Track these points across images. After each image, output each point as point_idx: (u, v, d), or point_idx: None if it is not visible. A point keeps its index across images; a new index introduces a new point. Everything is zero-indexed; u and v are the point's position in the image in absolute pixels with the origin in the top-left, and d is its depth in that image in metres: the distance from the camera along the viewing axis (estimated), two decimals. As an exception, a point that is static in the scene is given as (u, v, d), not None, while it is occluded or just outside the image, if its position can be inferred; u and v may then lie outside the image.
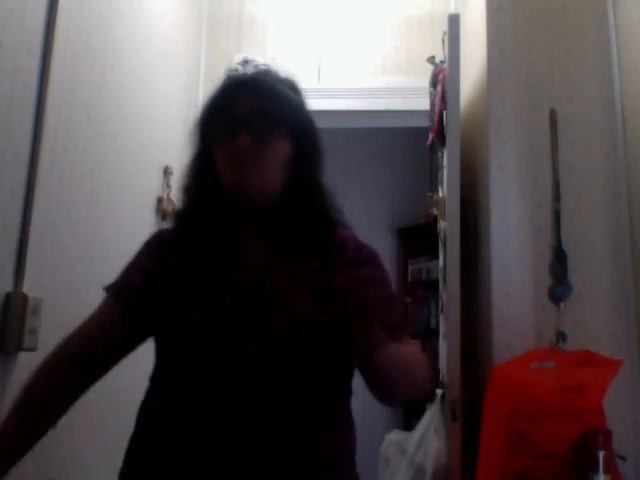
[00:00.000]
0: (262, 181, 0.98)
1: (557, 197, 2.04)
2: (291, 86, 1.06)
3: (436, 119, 2.30)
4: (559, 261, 2.00)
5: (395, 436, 2.32)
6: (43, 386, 0.99)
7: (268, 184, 0.99)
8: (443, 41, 2.21)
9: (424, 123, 2.51)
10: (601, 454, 1.68)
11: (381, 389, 0.95)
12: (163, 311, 0.97)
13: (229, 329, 0.92)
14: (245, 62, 1.09)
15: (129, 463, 0.97)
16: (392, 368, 0.89)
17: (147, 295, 1.00)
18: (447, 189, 2.11)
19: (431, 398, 2.18)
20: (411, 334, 1.04)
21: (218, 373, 0.91)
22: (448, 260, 2.06)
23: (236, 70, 1.07)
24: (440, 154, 2.36)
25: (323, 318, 0.87)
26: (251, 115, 0.97)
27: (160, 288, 0.99)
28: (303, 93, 1.08)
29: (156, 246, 1.08)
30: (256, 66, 1.07)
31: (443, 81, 2.21)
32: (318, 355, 0.92)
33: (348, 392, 1.02)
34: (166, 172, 2.28)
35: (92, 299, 1.65)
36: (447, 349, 2.03)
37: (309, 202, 1.01)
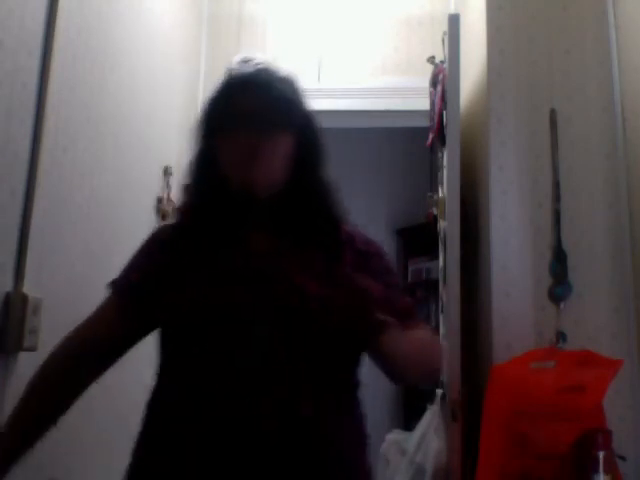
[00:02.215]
0: (266, 176, 1.00)
1: (557, 197, 2.04)
2: (291, 83, 1.08)
3: (436, 119, 2.30)
4: (559, 261, 2.00)
5: (395, 436, 2.32)
6: (45, 383, 1.01)
7: (272, 179, 1.01)
8: (443, 41, 2.21)
9: (424, 123, 2.51)
10: (601, 454, 1.68)
11: (393, 370, 0.98)
12: (168, 304, 0.97)
13: (237, 315, 0.93)
14: (245, 60, 1.10)
15: (139, 458, 0.97)
16: (402, 351, 0.92)
17: (147, 291, 1.01)
18: (447, 189, 2.11)
19: (431, 398, 2.18)
20: (420, 320, 1.06)
21: (226, 361, 0.92)
22: (448, 260, 2.06)
23: (236, 69, 1.09)
24: (440, 154, 2.36)
25: (332, 300, 0.90)
26: (253, 113, 0.99)
27: (162, 282, 1.00)
28: (302, 89, 1.10)
29: (157, 242, 1.10)
30: (256, 64, 1.09)
31: (443, 81, 2.21)
32: (328, 338, 0.93)
33: (356, 383, 1.03)
34: (166, 172, 2.28)
35: (92, 299, 1.65)
36: (447, 349, 2.03)
37: (311, 195, 1.04)
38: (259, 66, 1.09)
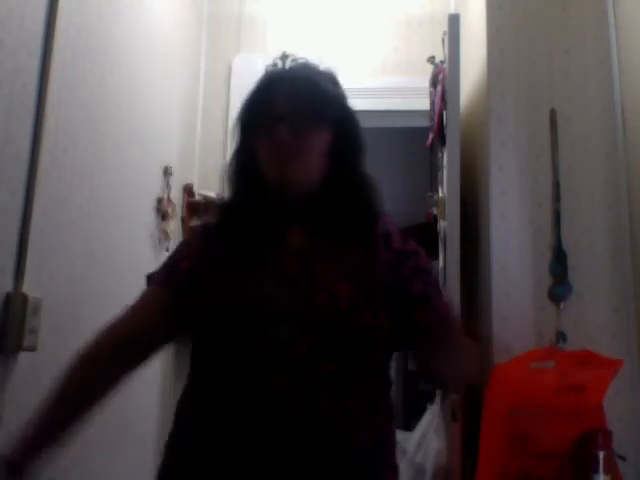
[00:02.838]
0: (304, 173, 1.00)
1: (557, 197, 2.04)
2: (330, 78, 1.08)
3: (436, 119, 2.30)
4: (559, 261, 2.00)
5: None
6: (83, 370, 0.98)
7: (310, 175, 1.01)
8: (443, 41, 2.21)
9: (424, 123, 2.51)
10: (601, 454, 1.68)
11: (433, 377, 1.05)
12: (202, 298, 0.97)
13: (265, 312, 0.93)
14: (284, 56, 1.10)
15: (172, 458, 0.97)
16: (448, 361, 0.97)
17: (193, 282, 1.01)
18: (447, 189, 2.11)
19: (431, 398, 2.18)
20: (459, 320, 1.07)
21: (251, 360, 0.91)
22: (448, 260, 2.06)
23: (275, 65, 1.08)
24: (440, 154, 2.36)
25: (361, 301, 0.92)
26: (291, 109, 0.99)
27: (203, 277, 1.00)
28: (341, 84, 1.10)
29: (201, 236, 1.10)
30: (295, 60, 1.08)
31: (443, 81, 2.21)
32: (355, 340, 0.93)
33: (386, 383, 1.03)
34: (166, 172, 2.28)
35: (92, 299, 1.66)
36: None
37: (350, 191, 1.03)
38: (297, 62, 1.08)
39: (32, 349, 1.28)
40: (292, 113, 0.99)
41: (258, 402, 0.89)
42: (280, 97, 1.01)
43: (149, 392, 2.05)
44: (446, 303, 1.04)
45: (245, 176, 1.06)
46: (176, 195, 2.38)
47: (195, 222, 2.42)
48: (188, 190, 2.52)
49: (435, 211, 2.35)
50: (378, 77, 2.77)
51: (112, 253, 1.77)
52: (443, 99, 2.19)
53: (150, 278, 1.06)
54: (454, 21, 2.13)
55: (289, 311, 0.92)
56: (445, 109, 2.16)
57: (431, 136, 2.42)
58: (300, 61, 1.09)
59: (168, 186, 2.28)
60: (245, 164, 1.05)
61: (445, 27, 2.17)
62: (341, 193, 1.02)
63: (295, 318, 0.92)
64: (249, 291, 0.95)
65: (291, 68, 1.08)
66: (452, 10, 2.66)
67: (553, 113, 2.10)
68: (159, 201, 2.23)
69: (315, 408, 0.89)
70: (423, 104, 2.48)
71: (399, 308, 0.98)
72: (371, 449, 0.94)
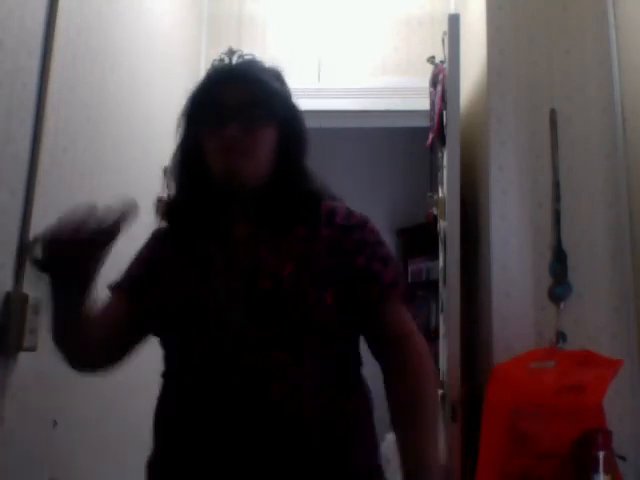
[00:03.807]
0: (252, 169, 1.02)
1: (557, 197, 2.05)
2: (275, 75, 1.09)
3: (436, 119, 2.30)
4: (559, 261, 2.00)
5: (395, 436, 2.31)
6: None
7: (258, 171, 1.02)
8: (443, 41, 2.21)
9: (424, 123, 2.51)
10: (601, 454, 1.68)
11: None
12: (151, 300, 1.00)
13: (214, 304, 0.94)
14: (230, 52, 1.11)
15: (157, 456, 0.99)
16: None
17: (149, 284, 1.03)
18: (447, 189, 2.11)
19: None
20: (406, 295, 1.04)
21: (205, 351, 0.93)
22: (448, 260, 2.06)
23: (221, 60, 1.09)
24: (440, 154, 2.36)
25: (304, 282, 0.92)
26: (239, 105, 1.00)
27: (154, 278, 1.02)
28: (287, 82, 1.11)
29: (154, 240, 1.13)
30: (241, 56, 1.09)
31: (443, 81, 2.21)
32: (302, 322, 0.93)
33: (352, 360, 1.03)
34: (166, 172, 2.27)
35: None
36: (447, 349, 2.03)
37: (295, 183, 1.05)
38: (243, 58, 1.09)
39: (32, 349, 1.28)
40: (241, 110, 1.00)
41: (214, 392, 0.90)
42: (228, 93, 1.02)
43: (151, 392, 2.05)
44: (391, 277, 1.02)
45: (190, 172, 1.07)
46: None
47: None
48: (188, 190, 2.52)
49: (435, 211, 2.35)
50: (378, 77, 2.77)
51: (112, 253, 1.77)
52: (443, 99, 2.19)
53: (111, 287, 1.07)
54: (454, 21, 2.13)
55: (236, 301, 0.93)
56: (445, 109, 2.16)
57: (431, 136, 2.42)
58: (247, 57, 1.10)
59: (168, 186, 2.27)
60: (191, 160, 1.06)
61: (445, 27, 2.17)
62: (284, 187, 1.04)
63: (242, 306, 0.93)
64: (194, 287, 0.97)
65: (238, 64, 1.09)
66: (452, 10, 2.66)
67: (553, 113, 2.10)
68: (159, 201, 2.22)
69: (268, 395, 0.89)
70: (423, 104, 2.48)
71: (345, 283, 0.98)
72: (329, 429, 0.93)
